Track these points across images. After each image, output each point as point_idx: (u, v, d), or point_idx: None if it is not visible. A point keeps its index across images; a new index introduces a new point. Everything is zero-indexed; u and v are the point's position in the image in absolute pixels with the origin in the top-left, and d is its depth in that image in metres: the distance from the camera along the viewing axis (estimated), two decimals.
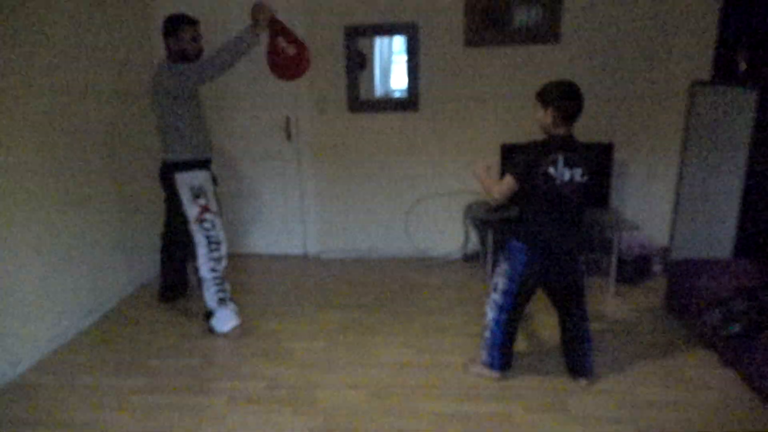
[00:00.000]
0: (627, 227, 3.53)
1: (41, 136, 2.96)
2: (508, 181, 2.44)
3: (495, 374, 2.69)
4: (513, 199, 2.51)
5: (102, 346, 3.12)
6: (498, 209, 3.62)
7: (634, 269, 3.73)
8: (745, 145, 3.17)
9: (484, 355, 2.68)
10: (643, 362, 2.81)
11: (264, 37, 2.91)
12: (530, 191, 2.44)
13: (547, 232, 2.47)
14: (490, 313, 2.61)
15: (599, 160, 2.44)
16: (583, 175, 2.39)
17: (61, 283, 3.13)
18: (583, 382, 2.65)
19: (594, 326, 3.16)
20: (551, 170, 2.37)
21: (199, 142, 3.08)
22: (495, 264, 2.68)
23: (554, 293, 2.62)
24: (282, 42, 2.94)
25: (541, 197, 2.42)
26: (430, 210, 4.25)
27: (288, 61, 2.97)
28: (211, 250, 3.09)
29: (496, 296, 2.58)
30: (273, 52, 2.97)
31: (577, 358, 2.66)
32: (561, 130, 2.40)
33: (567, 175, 2.38)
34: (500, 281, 2.56)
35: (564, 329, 2.67)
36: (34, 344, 2.94)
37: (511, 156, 2.37)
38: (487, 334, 2.64)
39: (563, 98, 2.36)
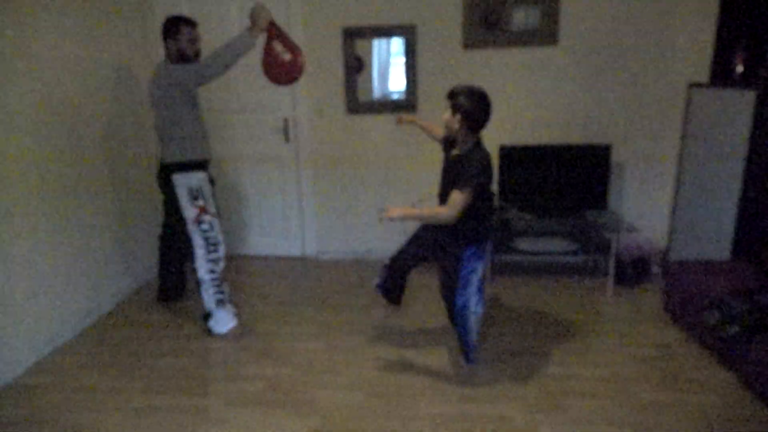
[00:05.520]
0: (625, 229, 3.54)
1: (39, 136, 2.96)
2: (466, 195, 2.50)
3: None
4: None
5: (100, 348, 3.12)
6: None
7: (633, 271, 3.73)
8: (742, 146, 3.18)
9: (470, 357, 2.78)
10: (641, 363, 2.81)
11: (261, 40, 2.92)
12: (479, 194, 2.55)
13: (489, 223, 2.76)
14: (472, 319, 2.71)
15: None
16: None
17: (58, 284, 3.13)
18: None
19: (592, 327, 3.18)
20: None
21: (197, 144, 3.08)
22: (492, 265, 2.80)
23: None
24: (278, 46, 2.96)
25: (485, 195, 2.59)
26: None
27: (282, 66, 3.00)
28: (210, 252, 3.09)
29: (473, 300, 2.69)
30: (268, 56, 2.98)
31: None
32: (471, 136, 2.55)
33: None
34: (472, 292, 2.68)
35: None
36: (32, 346, 2.94)
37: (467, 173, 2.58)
38: (473, 336, 2.75)
39: (474, 109, 2.48)
